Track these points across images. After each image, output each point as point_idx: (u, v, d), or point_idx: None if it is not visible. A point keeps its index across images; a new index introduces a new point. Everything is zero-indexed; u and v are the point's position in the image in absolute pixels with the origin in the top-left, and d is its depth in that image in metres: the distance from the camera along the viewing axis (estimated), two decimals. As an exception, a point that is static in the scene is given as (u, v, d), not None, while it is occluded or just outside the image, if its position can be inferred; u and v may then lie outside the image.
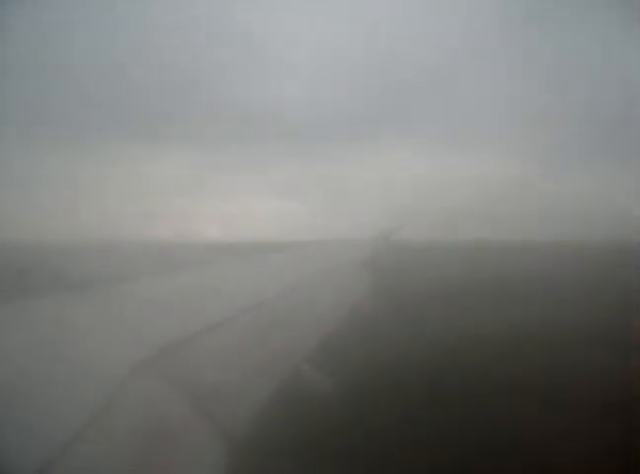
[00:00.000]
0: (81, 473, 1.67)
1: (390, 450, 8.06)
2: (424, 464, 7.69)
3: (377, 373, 11.75)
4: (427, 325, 17.01)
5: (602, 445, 7.96)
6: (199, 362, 2.85)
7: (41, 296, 3.39)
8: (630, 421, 8.57)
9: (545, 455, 7.85)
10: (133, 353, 2.58)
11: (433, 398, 10.37)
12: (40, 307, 3.18)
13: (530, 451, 8.00)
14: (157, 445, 2.05)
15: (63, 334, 2.69)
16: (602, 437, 8.23)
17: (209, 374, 2.83)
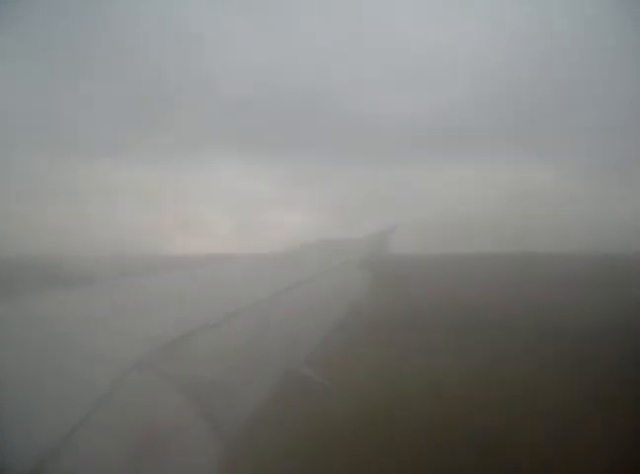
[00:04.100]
0: (78, 467, 1.68)
1: (390, 451, 8.06)
2: (424, 464, 7.69)
3: (376, 374, 11.75)
4: (427, 325, 16.99)
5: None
6: (198, 361, 2.86)
7: (42, 293, 3.41)
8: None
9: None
10: (133, 349, 2.59)
11: (433, 398, 10.36)
12: (41, 303, 3.20)
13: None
14: (154, 442, 2.06)
15: (64, 329, 2.70)
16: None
17: (208, 372, 2.84)
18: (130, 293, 4.02)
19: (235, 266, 6.26)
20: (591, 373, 11.76)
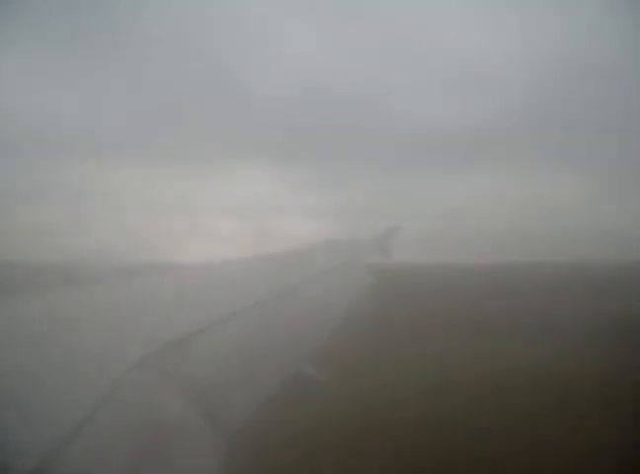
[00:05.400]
0: (79, 470, 1.69)
1: (390, 451, 8.08)
2: (424, 465, 7.70)
3: (379, 374, 11.78)
4: (429, 326, 16.99)
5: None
6: (199, 360, 2.87)
7: (44, 293, 3.43)
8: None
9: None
10: (133, 349, 2.61)
11: (433, 400, 10.38)
12: (43, 303, 3.21)
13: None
14: (155, 443, 2.07)
15: (62, 329, 2.71)
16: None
17: (209, 372, 2.85)
18: (134, 294, 4.03)
19: (236, 266, 6.26)
20: (593, 373, 11.79)
